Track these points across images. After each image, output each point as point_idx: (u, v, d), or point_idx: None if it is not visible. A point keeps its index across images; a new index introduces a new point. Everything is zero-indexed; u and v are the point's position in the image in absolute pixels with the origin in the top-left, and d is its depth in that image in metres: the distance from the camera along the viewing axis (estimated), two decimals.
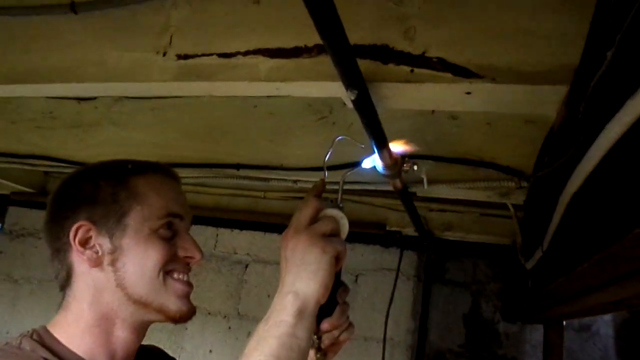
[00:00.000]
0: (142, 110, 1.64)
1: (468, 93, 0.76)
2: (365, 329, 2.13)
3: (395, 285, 2.05)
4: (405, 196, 1.27)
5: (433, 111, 1.37)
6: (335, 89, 0.81)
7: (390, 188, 1.36)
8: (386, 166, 1.05)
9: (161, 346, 0.99)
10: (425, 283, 2.08)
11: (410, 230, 1.88)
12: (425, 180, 1.11)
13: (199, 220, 2.35)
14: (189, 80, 0.88)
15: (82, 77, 0.95)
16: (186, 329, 2.41)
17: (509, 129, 1.29)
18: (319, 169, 1.40)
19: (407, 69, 0.77)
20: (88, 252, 0.84)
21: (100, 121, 1.68)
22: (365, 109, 0.78)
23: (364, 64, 0.80)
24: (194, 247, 0.93)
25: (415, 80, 0.76)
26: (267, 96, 1.53)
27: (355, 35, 0.81)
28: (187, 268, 0.93)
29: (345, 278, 2.37)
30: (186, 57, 0.89)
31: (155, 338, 0.93)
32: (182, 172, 1.51)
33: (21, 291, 2.62)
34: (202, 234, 2.39)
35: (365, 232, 1.90)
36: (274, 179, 1.46)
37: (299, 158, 1.43)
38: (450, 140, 1.31)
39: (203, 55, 0.88)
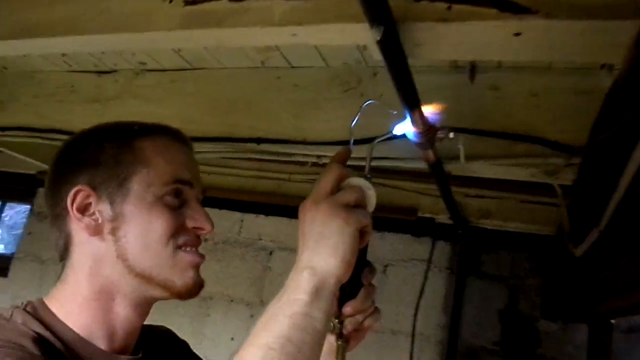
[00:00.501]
0: (162, 83, 1.57)
1: (517, 34, 0.64)
2: (393, 322, 2.02)
3: (426, 277, 1.93)
4: (440, 174, 1.15)
5: (473, 79, 1.24)
6: (358, 32, 0.71)
7: (422, 165, 1.25)
8: (419, 132, 0.94)
9: (182, 332, 0.90)
10: (458, 275, 1.95)
11: (444, 217, 1.75)
12: (462, 152, 1.00)
13: (223, 204, 2.33)
14: (196, 27, 0.79)
15: (85, 29, 0.87)
16: (209, 315, 2.35)
17: (557, 100, 1.15)
18: (345, 143, 1.29)
19: (443, 5, 0.65)
20: (87, 219, 0.76)
21: (120, 95, 1.63)
22: (393, 52, 0.66)
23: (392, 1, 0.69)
24: (204, 218, 0.84)
25: (453, 19, 0.64)
26: (292, 66, 1.43)
27: None
28: (197, 240, 0.85)
29: None
30: (194, 2, 0.80)
31: (175, 323, 0.86)
32: (201, 147, 1.45)
33: (48, 272, 2.62)
34: (228, 219, 2.32)
35: (395, 218, 1.79)
36: (297, 153, 1.36)
37: (324, 132, 1.33)
38: (491, 112, 1.19)
39: None
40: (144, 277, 0.76)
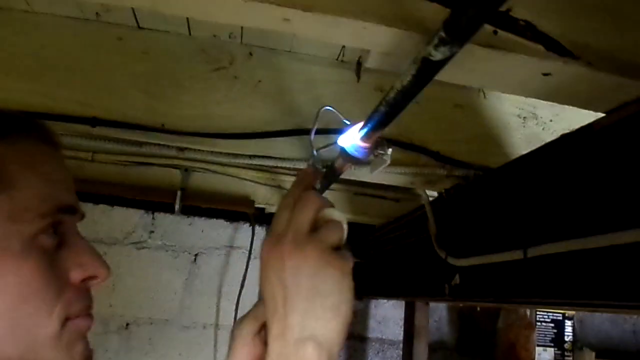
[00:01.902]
0: None
1: (546, 74, 0.59)
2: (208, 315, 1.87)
3: (247, 265, 1.82)
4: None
5: (358, 78, 1.17)
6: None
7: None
8: (367, 148, 0.83)
9: None
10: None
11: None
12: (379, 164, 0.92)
13: None
14: None
15: None
16: None
17: (437, 111, 1.18)
18: (216, 135, 1.07)
19: (489, 28, 0.56)
20: None
21: None
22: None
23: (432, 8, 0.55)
24: (96, 261, 0.60)
25: (500, 47, 0.56)
26: (140, 27, 1.11)
27: None
28: (89, 299, 0.60)
29: (184, 258, 2.07)
30: None
31: None
32: None
33: None
34: None
35: (232, 211, 1.62)
36: (150, 143, 1.07)
37: (188, 119, 1.08)
38: None
39: None
40: None
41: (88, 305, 0.57)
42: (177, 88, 1.08)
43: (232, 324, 1.80)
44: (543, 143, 0.84)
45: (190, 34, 1.12)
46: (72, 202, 0.57)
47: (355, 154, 0.77)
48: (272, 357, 0.52)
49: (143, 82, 1.07)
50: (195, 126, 1.07)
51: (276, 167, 1.14)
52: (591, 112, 0.66)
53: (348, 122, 0.75)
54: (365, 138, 0.76)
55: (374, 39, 0.57)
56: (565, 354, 1.58)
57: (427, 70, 0.54)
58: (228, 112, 1.09)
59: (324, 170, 0.72)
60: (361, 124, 0.76)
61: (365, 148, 0.80)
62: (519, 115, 1.21)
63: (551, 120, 1.21)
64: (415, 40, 0.56)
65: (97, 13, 1.06)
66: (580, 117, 0.73)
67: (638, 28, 0.58)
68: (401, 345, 1.87)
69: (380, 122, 0.71)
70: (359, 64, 1.17)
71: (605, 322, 1.83)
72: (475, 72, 0.59)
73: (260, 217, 1.72)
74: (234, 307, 1.75)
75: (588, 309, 1.18)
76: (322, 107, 0.70)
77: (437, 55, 0.51)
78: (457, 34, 0.48)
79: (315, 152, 0.65)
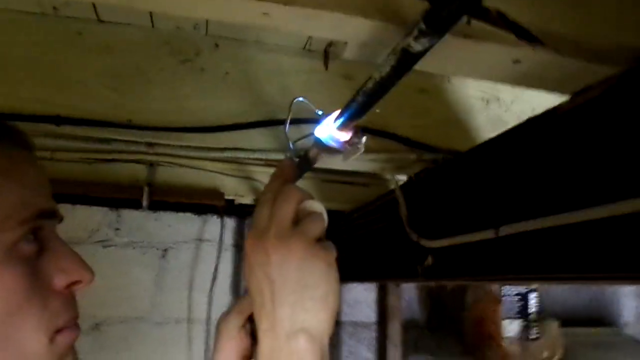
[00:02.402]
0: None
1: (516, 61, 0.62)
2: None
3: (218, 257, 1.81)
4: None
5: (326, 66, 1.18)
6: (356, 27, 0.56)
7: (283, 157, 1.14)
8: (345, 140, 0.84)
9: None
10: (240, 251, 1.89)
11: (248, 199, 1.66)
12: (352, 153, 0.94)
13: None
14: None
15: None
16: None
17: (404, 97, 1.20)
18: (186, 129, 1.06)
19: (464, 18, 0.58)
20: None
21: None
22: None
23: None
24: (78, 264, 0.59)
25: (474, 36, 0.58)
26: (100, 20, 1.08)
27: None
28: (74, 306, 0.59)
29: (152, 254, 2.04)
30: None
31: None
32: None
33: None
34: None
35: (200, 204, 1.60)
36: (118, 139, 1.04)
37: (156, 113, 1.06)
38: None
39: None
40: None
41: (75, 315, 0.56)
42: (143, 82, 1.06)
43: (205, 318, 1.80)
44: (505, 125, 0.88)
45: (153, 26, 1.09)
46: (51, 206, 0.56)
47: (331, 144, 0.78)
48: (264, 352, 0.53)
49: (107, 77, 1.04)
50: (164, 121, 1.06)
51: (248, 158, 1.14)
52: (549, 93, 0.70)
53: (320, 113, 0.76)
54: (341, 128, 0.78)
55: (353, 30, 0.57)
56: (530, 324, 1.66)
57: (406, 61, 0.56)
58: (197, 105, 1.07)
59: (297, 160, 0.73)
60: (336, 113, 0.77)
61: (342, 140, 0.82)
62: (482, 99, 1.25)
63: (512, 102, 1.26)
64: (393, 32, 0.57)
65: (54, 7, 1.02)
66: (539, 100, 0.77)
67: (601, 15, 0.62)
68: (374, 326, 1.91)
69: (356, 112, 0.72)
70: (326, 53, 1.17)
71: (566, 292, 1.93)
72: (448, 61, 0.61)
73: (230, 209, 1.71)
74: (207, 300, 1.75)
75: (555, 282, 1.24)
76: (294, 99, 0.70)
77: (417, 47, 0.53)
78: (437, 26, 0.50)
79: (291, 145, 0.66)
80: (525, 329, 1.67)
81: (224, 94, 1.09)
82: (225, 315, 0.63)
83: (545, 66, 0.62)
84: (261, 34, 1.13)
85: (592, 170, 0.67)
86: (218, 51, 1.12)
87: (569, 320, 1.86)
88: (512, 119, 1.18)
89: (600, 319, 2.10)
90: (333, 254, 0.58)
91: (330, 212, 1.74)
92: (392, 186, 1.30)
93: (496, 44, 0.58)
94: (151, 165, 1.45)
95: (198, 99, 1.07)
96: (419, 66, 0.63)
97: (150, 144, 1.06)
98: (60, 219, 0.58)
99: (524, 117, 0.81)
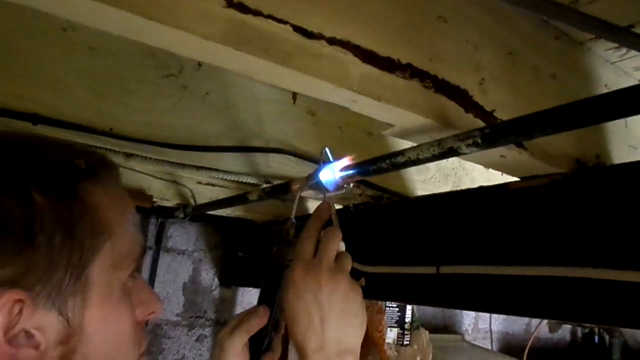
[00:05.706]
0: None
1: (502, 156, 0.82)
2: None
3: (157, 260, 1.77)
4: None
5: (295, 100, 1.28)
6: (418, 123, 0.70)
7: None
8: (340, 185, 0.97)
9: None
10: (155, 252, 1.89)
11: (173, 203, 1.66)
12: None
13: None
14: (245, 49, 0.55)
15: None
16: None
17: (354, 136, 1.36)
18: (164, 145, 1.07)
19: (481, 123, 0.76)
20: (20, 351, 0.49)
21: None
22: None
23: (445, 105, 0.73)
24: (155, 297, 0.67)
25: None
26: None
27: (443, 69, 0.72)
28: (147, 337, 0.67)
29: None
30: (243, 8, 0.54)
31: None
32: None
33: None
34: None
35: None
36: (98, 147, 1.02)
37: (135, 125, 1.06)
38: (309, 137, 1.27)
39: (271, 17, 0.56)
40: None
41: (148, 343, 0.62)
42: (126, 91, 1.05)
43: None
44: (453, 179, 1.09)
45: None
46: (145, 242, 0.61)
47: (328, 186, 0.92)
48: None
49: (89, 80, 1.01)
50: (143, 133, 1.06)
51: (222, 179, 1.19)
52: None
53: (331, 160, 0.89)
54: (347, 178, 0.91)
55: (407, 120, 0.71)
56: (405, 332, 1.95)
57: (448, 155, 0.72)
58: (177, 121, 1.10)
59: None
60: (344, 162, 0.91)
61: (340, 184, 0.95)
62: None
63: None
64: (437, 129, 0.72)
65: None
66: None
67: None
68: None
69: (371, 172, 0.87)
70: None
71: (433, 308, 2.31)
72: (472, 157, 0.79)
73: (156, 211, 1.70)
74: None
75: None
76: (324, 148, 0.82)
77: (465, 150, 0.69)
78: (490, 143, 0.67)
79: (330, 188, 0.78)
80: (401, 336, 1.95)
81: (203, 114, 1.13)
82: (229, 332, 0.73)
83: (519, 162, 0.83)
84: None
85: (523, 238, 0.91)
86: (200, 71, 1.15)
87: (435, 328, 2.23)
88: (461, 175, 1.41)
89: (446, 327, 2.53)
90: (360, 288, 0.74)
91: (239, 221, 1.84)
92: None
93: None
94: None
95: (179, 116, 1.10)
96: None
97: (128, 155, 1.06)
98: None
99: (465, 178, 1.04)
